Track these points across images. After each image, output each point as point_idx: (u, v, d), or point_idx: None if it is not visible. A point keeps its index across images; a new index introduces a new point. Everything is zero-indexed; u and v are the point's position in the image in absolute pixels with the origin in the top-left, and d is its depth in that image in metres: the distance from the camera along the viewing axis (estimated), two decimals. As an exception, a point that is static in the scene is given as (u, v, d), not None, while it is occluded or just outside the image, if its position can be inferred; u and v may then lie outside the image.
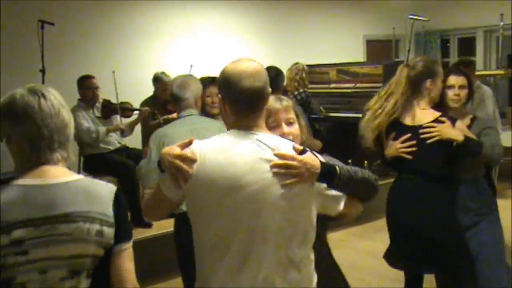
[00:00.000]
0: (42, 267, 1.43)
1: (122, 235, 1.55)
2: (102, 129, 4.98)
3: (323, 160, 1.73)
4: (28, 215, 1.41)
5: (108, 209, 1.52)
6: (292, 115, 2.01)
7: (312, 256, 1.75)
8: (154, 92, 5.53)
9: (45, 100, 1.51)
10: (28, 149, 1.49)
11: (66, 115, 1.54)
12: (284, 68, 4.82)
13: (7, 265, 1.39)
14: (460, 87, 2.90)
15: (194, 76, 3.41)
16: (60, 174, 1.50)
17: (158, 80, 5.46)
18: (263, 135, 1.70)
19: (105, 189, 1.56)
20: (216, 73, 3.60)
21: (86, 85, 5.05)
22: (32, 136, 1.48)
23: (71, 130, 1.56)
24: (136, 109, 5.33)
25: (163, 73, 5.52)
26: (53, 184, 1.47)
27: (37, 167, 1.48)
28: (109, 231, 1.51)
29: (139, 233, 3.60)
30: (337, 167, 1.71)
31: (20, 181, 1.46)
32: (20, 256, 1.40)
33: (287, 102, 2.03)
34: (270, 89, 1.75)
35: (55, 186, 1.47)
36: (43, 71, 4.87)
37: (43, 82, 4.82)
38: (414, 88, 2.73)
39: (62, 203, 1.45)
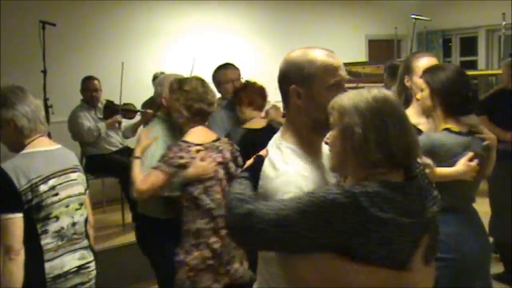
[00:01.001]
0: (66, 203, 2.13)
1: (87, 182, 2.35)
2: (102, 125, 4.99)
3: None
4: (53, 169, 2.09)
5: (79, 165, 2.30)
6: (332, 119, 1.38)
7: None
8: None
9: (25, 90, 2.11)
10: (26, 124, 2.06)
11: (38, 100, 2.17)
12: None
13: (47, 205, 2.05)
14: (422, 90, 2.32)
15: (168, 75, 3.17)
16: (51, 143, 2.20)
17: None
18: (285, 143, 1.57)
19: (71, 153, 2.30)
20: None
21: (85, 86, 5.05)
22: (28, 113, 2.07)
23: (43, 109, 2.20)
24: (139, 111, 5.32)
25: (162, 73, 5.48)
26: (54, 149, 2.18)
27: (35, 139, 2.11)
28: (85, 178, 2.30)
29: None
30: None
31: (33, 150, 2.08)
32: (54, 197, 2.07)
33: (337, 103, 1.36)
34: (288, 88, 1.51)
35: (56, 150, 2.18)
36: (44, 71, 4.86)
37: (44, 83, 4.84)
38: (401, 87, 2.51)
39: (66, 160, 2.19)
